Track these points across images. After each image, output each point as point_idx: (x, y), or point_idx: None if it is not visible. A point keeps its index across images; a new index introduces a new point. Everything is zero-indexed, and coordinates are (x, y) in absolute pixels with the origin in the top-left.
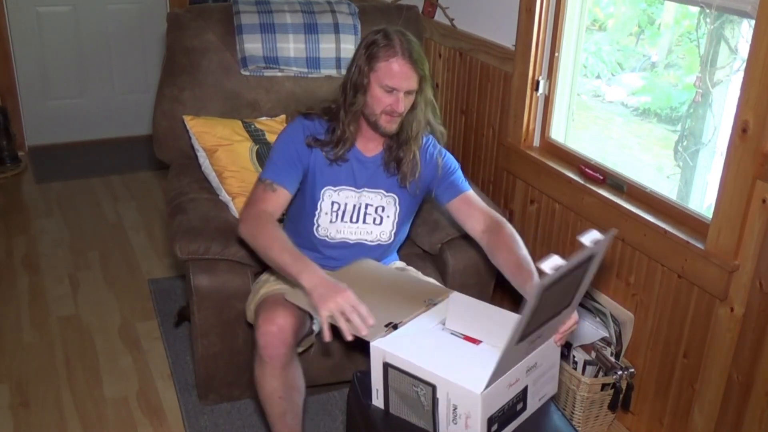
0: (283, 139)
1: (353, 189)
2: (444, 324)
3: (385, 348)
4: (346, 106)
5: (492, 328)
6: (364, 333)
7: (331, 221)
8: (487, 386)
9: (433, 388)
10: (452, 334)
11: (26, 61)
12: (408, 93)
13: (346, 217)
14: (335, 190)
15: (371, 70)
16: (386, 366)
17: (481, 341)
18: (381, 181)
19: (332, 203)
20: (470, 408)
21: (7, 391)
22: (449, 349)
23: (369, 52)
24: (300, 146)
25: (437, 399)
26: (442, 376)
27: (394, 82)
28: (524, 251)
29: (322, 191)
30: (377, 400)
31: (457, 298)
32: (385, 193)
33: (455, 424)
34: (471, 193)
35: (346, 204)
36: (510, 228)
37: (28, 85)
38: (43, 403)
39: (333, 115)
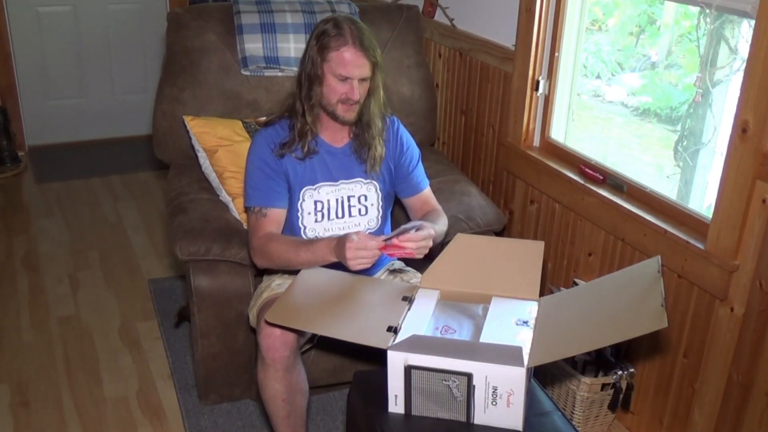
0: (252, 159)
1: (331, 183)
2: (432, 312)
3: (406, 351)
4: (303, 98)
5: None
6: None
7: (316, 221)
8: (530, 362)
9: (469, 377)
10: (448, 309)
11: (26, 61)
12: (362, 80)
13: (332, 215)
14: (314, 188)
15: (324, 61)
16: (408, 369)
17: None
18: (355, 170)
19: (315, 203)
20: (513, 385)
21: (7, 391)
22: (465, 334)
23: (320, 43)
24: (270, 160)
25: (473, 386)
26: (479, 363)
27: (347, 71)
28: (440, 225)
29: (302, 192)
30: (396, 407)
31: (424, 292)
32: (363, 180)
33: (494, 405)
34: (427, 191)
35: (328, 201)
36: (443, 213)
37: (28, 85)
38: (43, 403)
39: (291, 111)
